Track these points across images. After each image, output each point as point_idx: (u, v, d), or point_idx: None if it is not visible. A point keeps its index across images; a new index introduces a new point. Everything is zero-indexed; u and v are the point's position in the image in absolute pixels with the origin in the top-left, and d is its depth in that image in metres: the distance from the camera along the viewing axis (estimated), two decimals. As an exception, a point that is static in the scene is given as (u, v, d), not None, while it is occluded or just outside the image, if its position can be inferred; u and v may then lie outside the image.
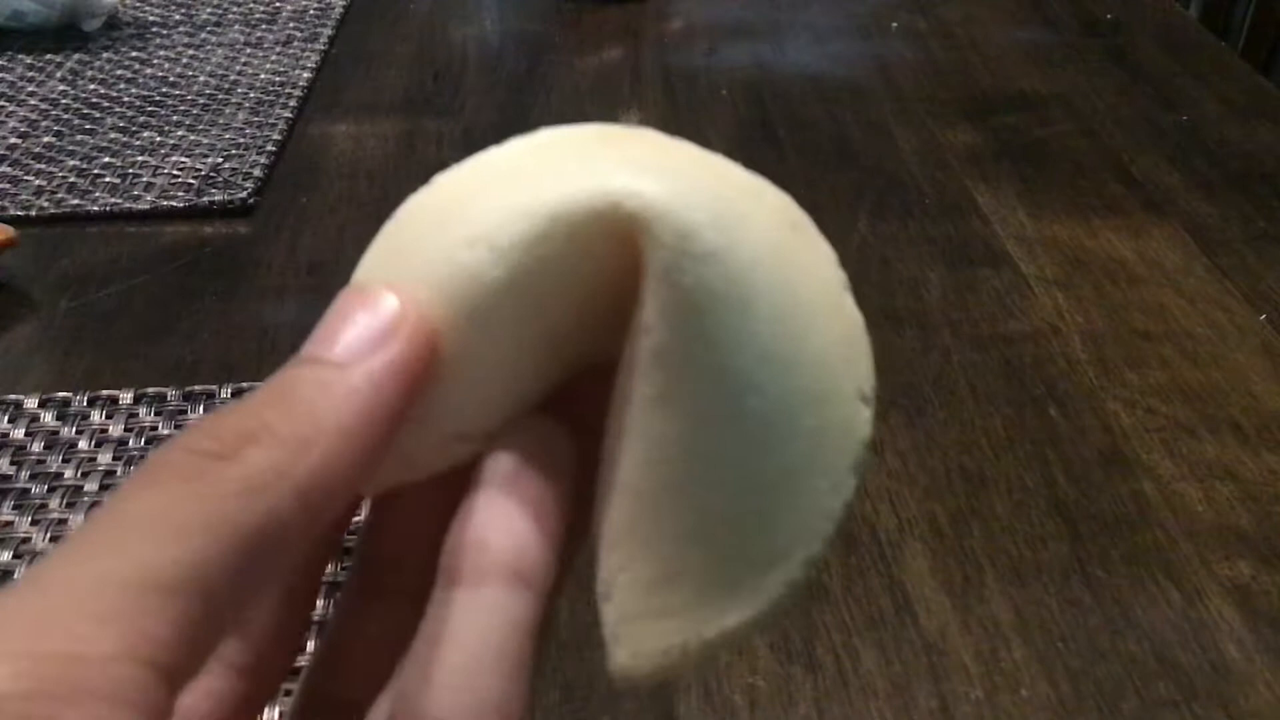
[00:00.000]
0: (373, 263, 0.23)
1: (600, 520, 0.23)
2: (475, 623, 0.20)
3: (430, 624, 0.20)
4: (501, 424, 0.22)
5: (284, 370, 0.20)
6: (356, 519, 0.25)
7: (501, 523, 0.21)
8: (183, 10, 0.98)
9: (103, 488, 0.51)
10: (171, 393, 0.56)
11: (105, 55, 0.90)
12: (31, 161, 0.76)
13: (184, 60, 0.90)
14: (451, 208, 0.22)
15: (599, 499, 0.23)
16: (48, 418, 0.55)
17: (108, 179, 0.73)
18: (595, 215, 0.21)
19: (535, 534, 0.21)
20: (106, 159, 0.76)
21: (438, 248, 0.22)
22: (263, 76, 0.87)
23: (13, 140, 0.78)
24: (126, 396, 0.56)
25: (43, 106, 0.82)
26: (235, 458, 0.18)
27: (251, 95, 0.84)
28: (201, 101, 0.83)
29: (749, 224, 0.22)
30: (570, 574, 0.24)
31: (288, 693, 0.34)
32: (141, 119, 0.81)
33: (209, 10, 0.98)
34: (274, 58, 0.90)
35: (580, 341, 0.23)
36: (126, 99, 0.83)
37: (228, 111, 0.82)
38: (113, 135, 0.79)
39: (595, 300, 0.23)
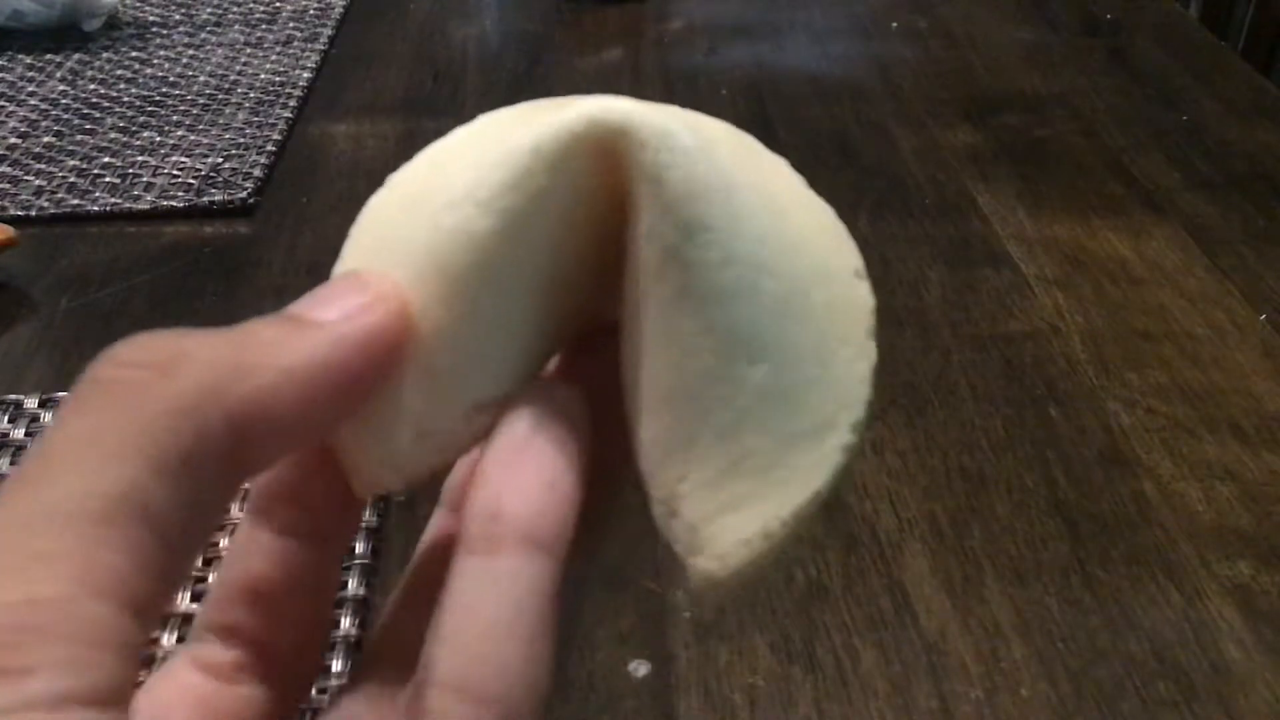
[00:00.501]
0: (352, 254, 0.23)
1: (642, 444, 0.23)
2: (492, 591, 0.20)
3: (449, 594, 0.20)
4: (515, 387, 0.22)
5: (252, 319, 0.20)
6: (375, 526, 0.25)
7: (515, 487, 0.20)
8: (183, 10, 0.98)
9: (103, 488, 0.51)
10: (171, 393, 0.56)
11: (105, 55, 0.90)
12: (31, 161, 0.76)
13: (184, 60, 0.90)
14: (419, 190, 0.23)
15: (633, 429, 0.23)
16: (48, 418, 0.55)
17: (108, 179, 0.73)
18: (576, 136, 0.21)
19: (550, 497, 0.20)
20: (106, 159, 0.76)
21: (416, 224, 0.22)
22: (263, 76, 0.87)
23: (13, 140, 0.78)
24: (126, 396, 0.56)
25: (43, 106, 0.82)
26: (166, 373, 0.18)
27: (251, 95, 0.84)
28: (201, 101, 0.83)
29: (712, 132, 0.23)
30: (602, 537, 0.23)
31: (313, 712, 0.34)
32: (141, 119, 0.81)
33: (209, 10, 0.98)
34: (274, 58, 0.90)
35: (579, 291, 0.24)
36: (126, 99, 0.83)
37: (228, 111, 0.82)
38: (113, 135, 0.79)
39: (587, 242, 0.23)
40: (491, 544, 0.20)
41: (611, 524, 0.23)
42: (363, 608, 0.45)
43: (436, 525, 0.26)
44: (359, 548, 0.47)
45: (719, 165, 0.22)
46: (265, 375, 0.19)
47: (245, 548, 0.23)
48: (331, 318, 0.20)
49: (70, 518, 0.16)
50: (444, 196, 0.22)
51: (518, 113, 0.24)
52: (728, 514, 0.22)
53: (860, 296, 0.23)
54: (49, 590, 0.15)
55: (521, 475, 0.20)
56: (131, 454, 0.17)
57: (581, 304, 0.24)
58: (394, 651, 0.24)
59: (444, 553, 0.23)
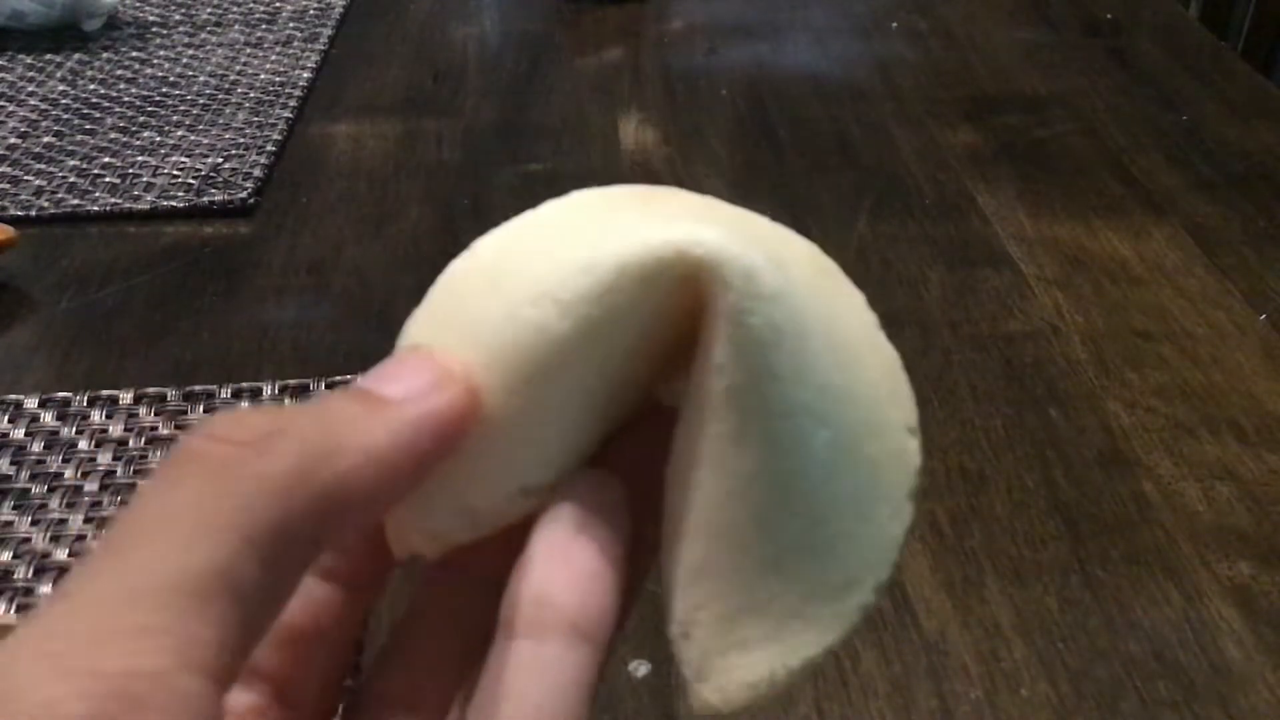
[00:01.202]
0: (423, 325, 0.24)
1: (671, 561, 0.23)
2: (538, 678, 0.20)
3: (492, 676, 0.20)
4: (562, 476, 0.23)
5: (327, 393, 0.20)
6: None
7: (562, 577, 0.21)
8: (183, 10, 0.98)
9: (103, 488, 0.51)
10: (171, 393, 0.56)
11: (105, 55, 0.90)
12: (31, 161, 0.76)
13: (184, 60, 0.90)
14: (502, 269, 0.23)
15: (666, 541, 0.23)
16: (48, 418, 0.55)
17: (108, 179, 0.73)
18: (662, 264, 0.22)
19: (596, 589, 0.21)
20: (106, 159, 0.76)
21: (495, 308, 0.22)
22: (263, 76, 0.87)
23: (13, 140, 0.78)
24: (126, 396, 0.56)
25: (43, 106, 0.82)
26: (261, 451, 0.18)
27: (251, 95, 0.84)
28: (201, 101, 0.83)
29: (793, 267, 0.23)
30: (628, 616, 0.24)
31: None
32: (141, 119, 0.81)
33: (209, 10, 0.98)
34: (274, 58, 0.90)
35: (635, 390, 0.24)
36: (126, 99, 0.83)
37: (228, 111, 0.82)
38: (113, 135, 0.79)
39: (650, 348, 0.23)
40: (540, 630, 0.20)
41: (634, 603, 0.24)
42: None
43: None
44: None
45: (796, 310, 0.22)
46: (351, 457, 0.19)
47: None
48: (400, 394, 0.21)
49: (168, 592, 0.17)
50: (526, 287, 0.22)
51: (611, 200, 0.24)
52: (739, 652, 0.23)
53: (909, 454, 0.24)
54: (148, 664, 0.16)
55: (570, 566, 0.21)
56: (226, 530, 0.17)
57: (636, 396, 0.25)
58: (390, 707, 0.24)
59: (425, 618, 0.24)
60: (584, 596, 0.21)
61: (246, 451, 0.18)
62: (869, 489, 0.23)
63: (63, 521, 0.49)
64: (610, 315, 0.22)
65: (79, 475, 0.52)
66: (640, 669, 0.44)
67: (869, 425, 0.23)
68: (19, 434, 0.54)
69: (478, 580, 0.22)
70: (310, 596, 0.23)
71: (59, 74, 0.87)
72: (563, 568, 0.21)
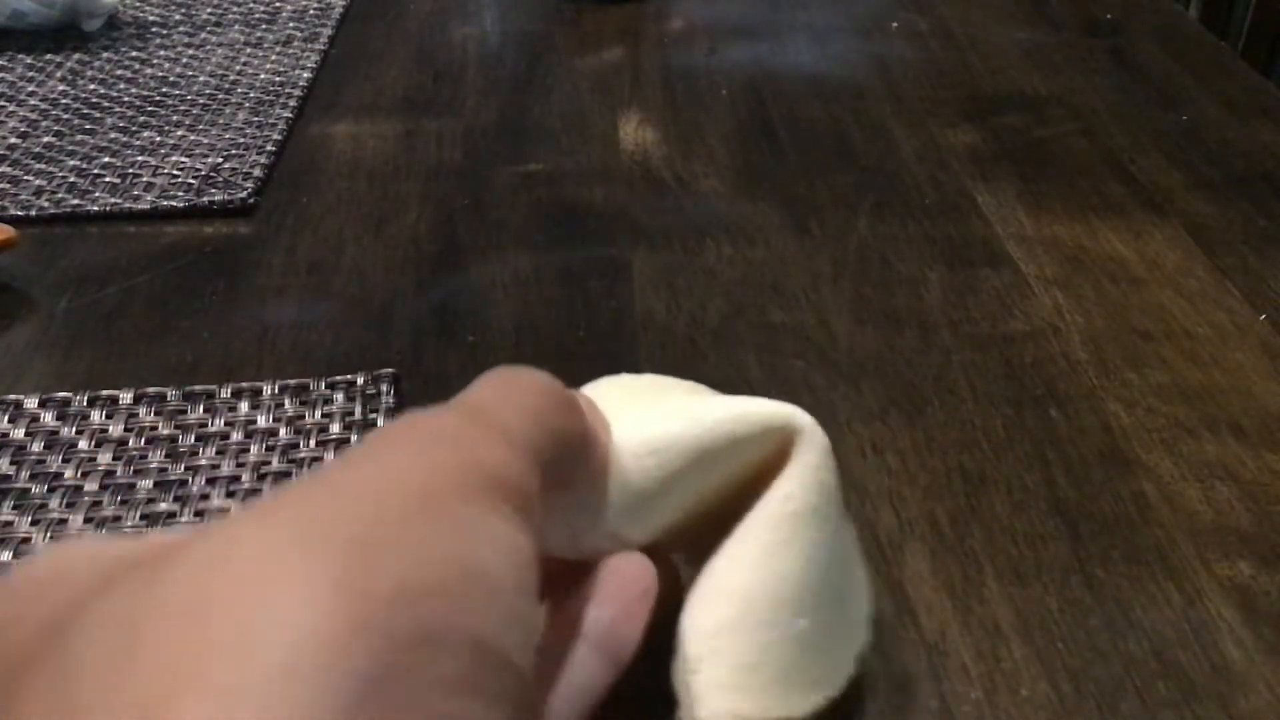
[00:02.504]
0: (599, 390, 0.35)
1: (698, 617, 0.32)
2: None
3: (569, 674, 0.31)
4: (641, 542, 0.32)
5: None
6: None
7: (629, 615, 0.30)
8: (183, 10, 0.98)
9: (102, 488, 0.51)
10: (171, 393, 0.56)
11: (105, 55, 0.90)
12: (31, 161, 0.76)
13: (184, 60, 0.90)
14: (657, 390, 0.37)
15: (695, 602, 0.33)
16: (48, 418, 0.55)
17: (108, 179, 0.73)
18: (790, 421, 0.33)
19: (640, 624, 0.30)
20: (106, 159, 0.76)
21: (653, 403, 0.34)
22: (263, 76, 0.87)
23: (13, 140, 0.78)
24: (126, 396, 0.56)
25: (43, 106, 0.82)
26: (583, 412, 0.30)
27: (251, 95, 0.84)
28: (201, 101, 0.83)
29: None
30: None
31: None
32: (141, 119, 0.81)
33: (209, 10, 0.98)
34: (274, 58, 0.90)
35: (692, 524, 0.34)
36: (126, 99, 0.83)
37: (228, 111, 0.82)
38: (113, 135, 0.79)
39: (723, 491, 0.33)
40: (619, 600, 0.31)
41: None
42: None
43: None
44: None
45: (835, 478, 0.35)
46: (600, 451, 0.31)
47: None
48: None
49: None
50: (679, 400, 0.35)
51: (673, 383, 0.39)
52: (730, 694, 0.31)
53: (865, 600, 0.39)
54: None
55: (637, 612, 0.31)
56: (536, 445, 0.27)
57: (685, 534, 0.34)
58: None
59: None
60: (635, 637, 0.30)
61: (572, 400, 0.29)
62: (856, 612, 0.38)
63: (63, 521, 0.49)
64: (740, 438, 0.32)
65: (79, 475, 0.52)
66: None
67: (856, 574, 0.39)
68: (19, 434, 0.54)
69: None
70: None
71: (59, 74, 0.87)
72: (631, 610, 0.30)
